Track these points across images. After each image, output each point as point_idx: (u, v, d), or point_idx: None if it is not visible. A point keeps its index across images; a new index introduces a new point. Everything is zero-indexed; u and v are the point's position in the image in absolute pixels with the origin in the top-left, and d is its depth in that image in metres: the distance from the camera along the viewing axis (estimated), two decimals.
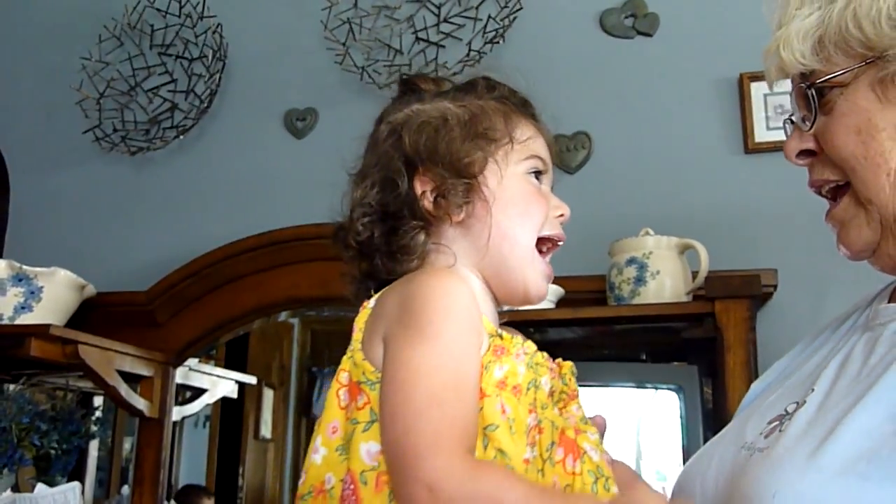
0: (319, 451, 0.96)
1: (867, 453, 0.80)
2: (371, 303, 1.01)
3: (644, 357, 2.47)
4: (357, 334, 0.99)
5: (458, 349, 0.91)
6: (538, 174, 1.08)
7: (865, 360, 0.92)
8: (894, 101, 0.93)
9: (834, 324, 1.11)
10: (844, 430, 0.83)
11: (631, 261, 2.15)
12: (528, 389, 0.95)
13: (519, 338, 0.99)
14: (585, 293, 2.27)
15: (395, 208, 1.04)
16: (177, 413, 2.87)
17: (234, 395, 3.85)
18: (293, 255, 2.54)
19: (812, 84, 0.97)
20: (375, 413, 0.92)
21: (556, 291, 2.20)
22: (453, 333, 0.92)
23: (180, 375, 2.76)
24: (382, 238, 1.05)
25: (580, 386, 1.11)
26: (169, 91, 2.91)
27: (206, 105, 2.86)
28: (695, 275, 2.13)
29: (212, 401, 3.50)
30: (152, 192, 2.88)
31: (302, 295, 2.59)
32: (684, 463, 2.51)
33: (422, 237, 1.04)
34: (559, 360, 1.08)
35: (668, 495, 1.05)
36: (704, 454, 1.07)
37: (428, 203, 1.03)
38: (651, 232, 2.18)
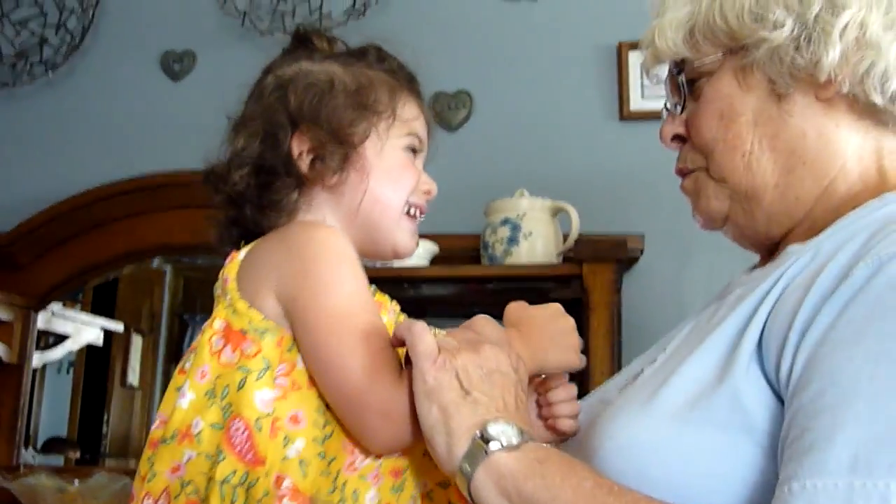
0: (187, 396, 0.97)
1: (692, 400, 0.86)
2: (241, 254, 1.03)
3: None
4: (231, 283, 1.01)
5: (361, 290, 0.98)
6: (413, 151, 1.11)
7: (708, 321, 0.98)
8: (753, 88, 1.00)
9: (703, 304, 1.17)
10: (675, 379, 0.90)
11: (505, 221, 2.19)
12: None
13: (386, 297, 1.06)
14: (460, 251, 2.31)
15: (271, 163, 1.05)
16: (38, 359, 2.78)
17: (100, 343, 3.75)
18: (166, 201, 2.48)
19: (682, 71, 1.04)
20: (269, 361, 0.95)
21: (430, 249, 2.22)
22: (352, 277, 0.98)
23: (42, 321, 2.67)
24: (255, 191, 1.06)
25: None
26: (38, 25, 2.79)
27: (77, 41, 2.75)
28: (566, 237, 2.19)
29: (75, 347, 3.40)
30: (17, 129, 2.76)
31: (174, 242, 2.55)
32: None
33: (294, 195, 1.05)
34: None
35: None
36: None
37: (304, 164, 1.05)
38: (526, 193, 2.22)
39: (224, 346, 0.97)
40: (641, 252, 2.29)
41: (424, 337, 0.89)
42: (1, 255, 2.52)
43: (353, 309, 0.96)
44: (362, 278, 0.99)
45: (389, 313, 1.06)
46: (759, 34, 0.97)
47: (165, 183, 2.49)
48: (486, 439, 0.82)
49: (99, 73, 2.78)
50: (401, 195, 1.08)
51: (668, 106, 1.10)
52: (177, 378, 0.99)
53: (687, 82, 1.05)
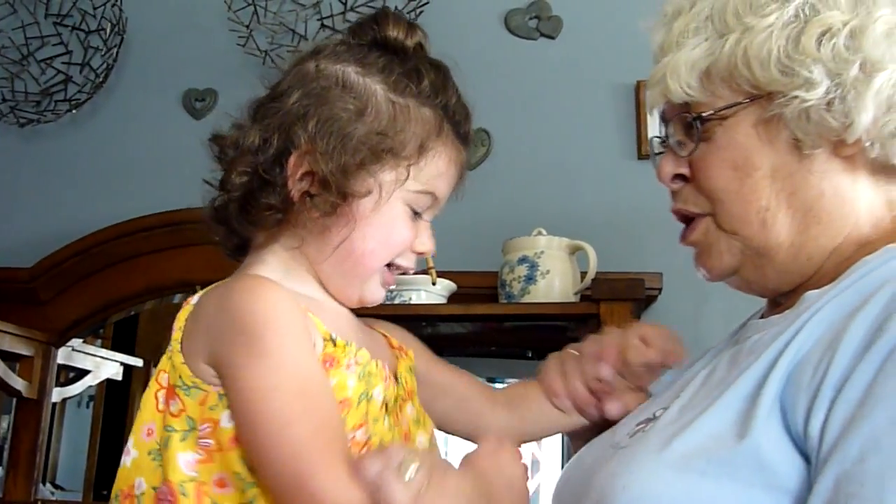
0: (130, 454, 0.94)
1: (707, 452, 0.84)
2: (194, 299, 0.97)
3: (530, 354, 2.52)
4: (176, 333, 0.95)
5: (292, 359, 0.88)
6: (418, 212, 1.02)
7: (728, 369, 0.95)
8: (774, 142, 0.96)
9: (718, 343, 1.15)
10: (693, 429, 0.87)
11: (522, 259, 2.19)
12: (358, 402, 0.93)
13: (353, 346, 0.95)
14: (477, 289, 2.31)
15: (268, 173, 0.97)
16: (58, 394, 2.79)
17: (119, 377, 3.76)
18: (187, 238, 2.49)
19: (697, 116, 0.99)
20: (193, 421, 0.90)
21: (447, 286, 2.22)
22: (282, 343, 0.88)
23: (63, 356, 2.68)
24: (243, 190, 0.98)
25: None
26: (63, 63, 2.83)
27: (101, 79, 2.79)
28: (584, 276, 2.19)
29: (95, 382, 3.41)
30: (41, 166, 2.80)
31: (195, 278, 2.54)
32: (564, 456, 2.58)
33: (277, 216, 0.98)
34: (401, 344, 1.10)
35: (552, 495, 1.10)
36: (581, 454, 1.10)
37: (296, 190, 0.97)
38: (544, 232, 2.22)
39: (166, 403, 0.93)
40: (659, 291, 2.28)
41: (389, 487, 0.79)
42: (23, 290, 2.53)
43: (280, 383, 0.86)
44: (298, 339, 0.89)
45: (346, 368, 0.94)
46: (790, 90, 0.93)
47: (186, 220, 2.50)
48: None
49: (122, 110, 2.81)
50: (383, 256, 1.00)
51: (671, 143, 1.05)
52: (129, 433, 0.95)
53: (695, 122, 1.00)
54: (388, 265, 1.02)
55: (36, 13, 2.88)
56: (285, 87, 1.01)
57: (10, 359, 2.40)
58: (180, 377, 0.91)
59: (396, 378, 1.02)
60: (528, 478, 0.93)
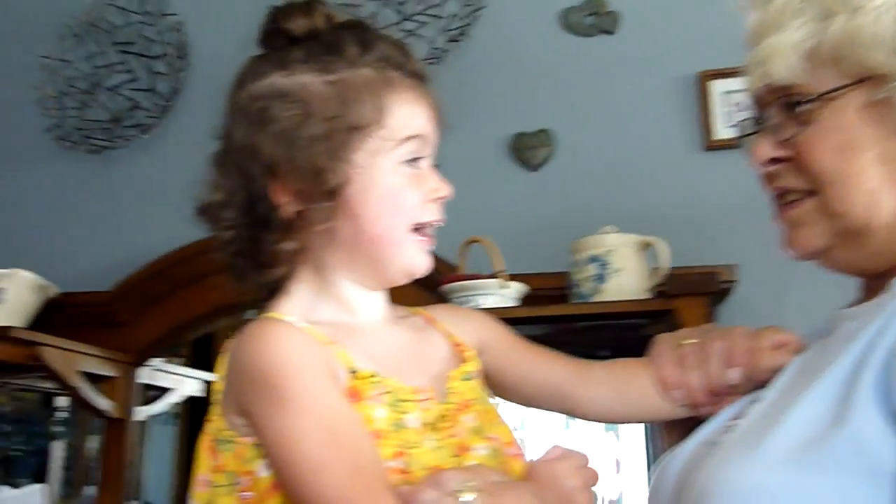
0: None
1: (805, 442, 0.83)
2: (231, 345, 0.95)
3: (606, 354, 2.49)
4: (219, 383, 0.94)
5: (314, 400, 0.86)
6: (415, 159, 1.00)
7: (819, 359, 0.94)
8: (883, 124, 0.94)
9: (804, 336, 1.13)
10: (788, 421, 0.86)
11: (592, 258, 2.17)
12: (392, 432, 0.90)
13: (378, 375, 0.93)
14: (548, 290, 2.29)
15: (256, 214, 0.98)
16: (142, 413, 2.85)
17: (201, 394, 3.84)
18: None
19: (801, 98, 0.97)
20: (233, 475, 0.90)
21: (519, 289, 2.21)
22: (301, 386, 0.86)
23: (145, 375, 2.74)
24: (246, 243, 1.00)
25: None
26: (130, 89, 2.89)
27: (168, 103, 2.85)
28: (656, 272, 2.16)
29: (177, 400, 3.48)
30: (115, 190, 2.86)
31: None
32: (647, 457, 2.55)
33: (288, 245, 0.98)
34: (462, 342, 1.06)
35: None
36: (675, 452, 1.08)
37: (289, 212, 0.97)
38: (612, 229, 2.20)
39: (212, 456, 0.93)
40: (735, 283, 2.24)
41: None
42: (103, 313, 2.59)
43: (306, 428, 0.85)
44: (317, 379, 0.88)
45: (371, 399, 0.92)
46: None
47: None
48: None
49: (189, 133, 2.86)
50: (401, 221, 0.98)
51: (768, 126, 1.02)
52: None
53: (798, 106, 0.98)
54: (416, 229, 0.99)
55: (102, 43, 2.95)
56: (229, 126, 1.03)
57: (95, 380, 2.47)
58: (219, 430, 0.92)
59: (446, 392, 0.99)
60: (593, 484, 0.93)
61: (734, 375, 1.04)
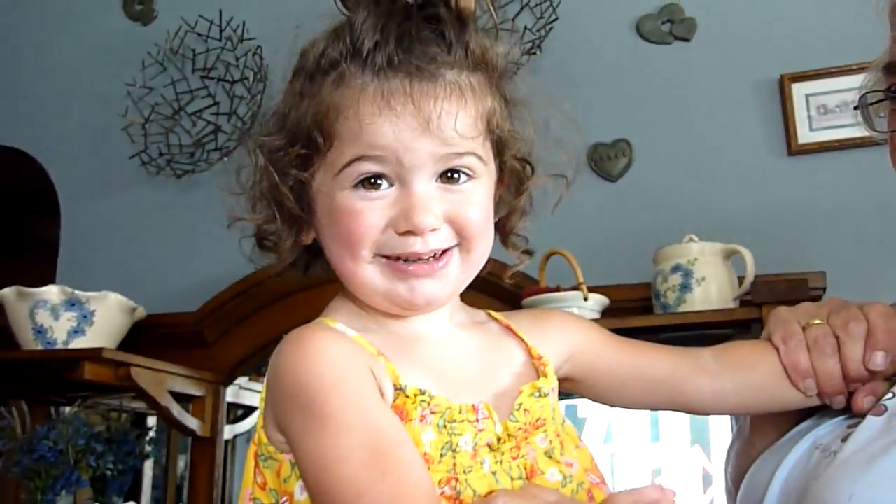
0: None
1: None
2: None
3: None
4: (263, 393, 0.87)
5: (356, 417, 0.78)
6: (374, 179, 0.84)
7: None
8: None
9: None
10: None
11: (676, 268, 2.14)
12: (441, 457, 0.82)
13: (427, 393, 0.83)
14: (631, 302, 2.26)
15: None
16: (229, 431, 2.90)
17: None
18: None
19: None
20: (276, 494, 0.83)
21: (600, 301, 2.19)
22: (342, 402, 0.78)
23: (231, 394, 2.78)
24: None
25: None
26: (212, 114, 2.96)
27: (248, 126, 2.90)
28: (741, 280, 2.12)
29: None
30: (199, 213, 2.91)
31: None
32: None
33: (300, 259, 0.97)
34: (548, 368, 0.95)
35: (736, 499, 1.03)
36: (772, 455, 1.02)
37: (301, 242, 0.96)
38: (695, 238, 2.17)
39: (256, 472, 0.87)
40: (824, 290, 2.18)
41: None
42: (190, 333, 2.64)
43: (347, 447, 0.75)
44: (358, 392, 0.79)
45: (419, 420, 0.82)
46: None
47: None
48: None
49: None
50: (346, 254, 0.87)
51: None
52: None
53: None
54: (388, 258, 0.86)
55: (184, 69, 3.02)
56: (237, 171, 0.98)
57: (183, 400, 2.52)
58: (261, 444, 0.85)
59: (513, 409, 0.89)
60: None
61: (878, 361, 0.94)
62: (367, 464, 0.75)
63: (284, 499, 0.82)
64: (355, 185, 0.84)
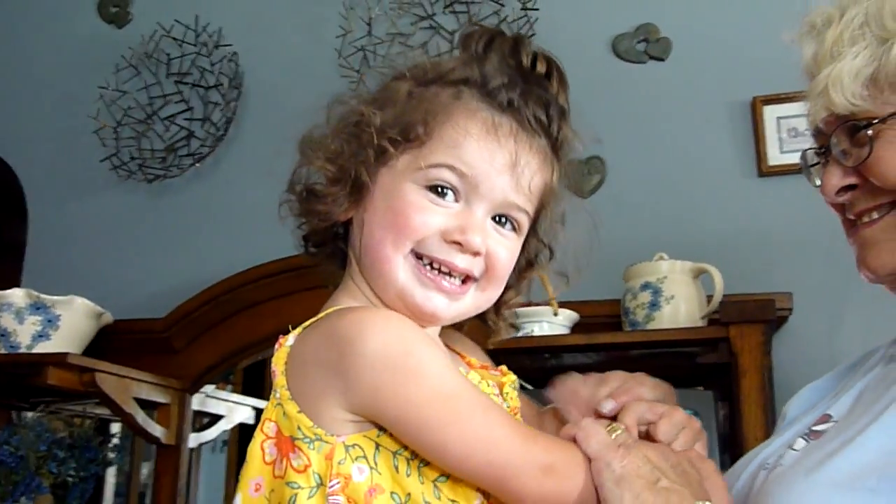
0: None
1: (878, 469, 0.81)
2: (290, 340, 0.93)
3: None
4: (280, 378, 0.90)
5: (445, 365, 0.87)
6: (444, 189, 0.93)
7: (886, 387, 0.92)
8: None
9: (863, 360, 1.11)
10: (856, 447, 0.85)
11: (645, 286, 2.15)
12: None
13: (462, 368, 0.96)
14: (600, 318, 2.27)
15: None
16: (194, 440, 2.88)
17: (252, 421, 3.86)
18: (309, 281, 2.52)
19: (868, 122, 0.96)
20: (321, 477, 0.85)
21: (570, 316, 2.20)
22: (429, 354, 0.87)
23: (197, 402, 2.76)
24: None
25: None
26: (185, 119, 2.94)
27: (222, 133, 2.89)
28: (710, 299, 2.13)
29: (228, 427, 3.51)
30: (169, 219, 2.90)
31: None
32: None
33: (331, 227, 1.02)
34: (502, 367, 1.06)
35: None
36: (731, 474, 1.08)
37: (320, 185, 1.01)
38: (665, 256, 2.18)
39: (277, 455, 0.89)
40: (790, 311, 2.20)
41: (598, 432, 0.86)
42: (157, 340, 2.62)
43: (450, 385, 0.86)
44: (434, 353, 0.87)
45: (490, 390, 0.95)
46: None
47: (308, 264, 2.55)
48: None
49: (243, 161, 2.90)
50: (394, 238, 0.92)
51: (835, 154, 1.00)
52: (237, 487, 0.92)
53: (865, 128, 0.96)
54: (418, 256, 0.93)
55: (158, 74, 3.00)
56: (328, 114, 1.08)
57: (148, 406, 2.49)
58: (299, 428, 0.86)
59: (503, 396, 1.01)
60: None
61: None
62: (473, 391, 0.87)
63: (336, 481, 0.84)
64: (427, 187, 0.93)
